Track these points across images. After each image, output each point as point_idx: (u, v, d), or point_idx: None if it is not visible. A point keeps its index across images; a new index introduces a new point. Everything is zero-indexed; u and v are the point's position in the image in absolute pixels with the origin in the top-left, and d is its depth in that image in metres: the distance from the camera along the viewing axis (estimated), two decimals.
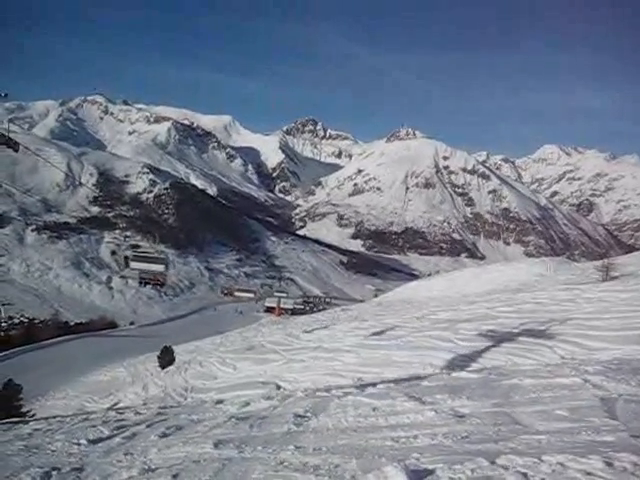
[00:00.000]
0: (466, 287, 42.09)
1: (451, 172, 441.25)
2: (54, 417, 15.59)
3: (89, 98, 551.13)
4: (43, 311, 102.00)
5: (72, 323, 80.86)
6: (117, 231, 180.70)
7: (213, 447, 6.71)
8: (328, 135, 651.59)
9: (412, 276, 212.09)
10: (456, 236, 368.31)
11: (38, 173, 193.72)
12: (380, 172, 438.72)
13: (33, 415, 20.96)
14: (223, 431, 7.97)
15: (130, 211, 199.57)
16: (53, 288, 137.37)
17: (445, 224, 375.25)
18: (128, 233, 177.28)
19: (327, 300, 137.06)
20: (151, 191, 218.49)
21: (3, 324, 72.64)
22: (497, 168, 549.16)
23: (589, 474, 3.97)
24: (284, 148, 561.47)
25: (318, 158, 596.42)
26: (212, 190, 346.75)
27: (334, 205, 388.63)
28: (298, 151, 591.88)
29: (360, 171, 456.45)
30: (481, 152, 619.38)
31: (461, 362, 14.93)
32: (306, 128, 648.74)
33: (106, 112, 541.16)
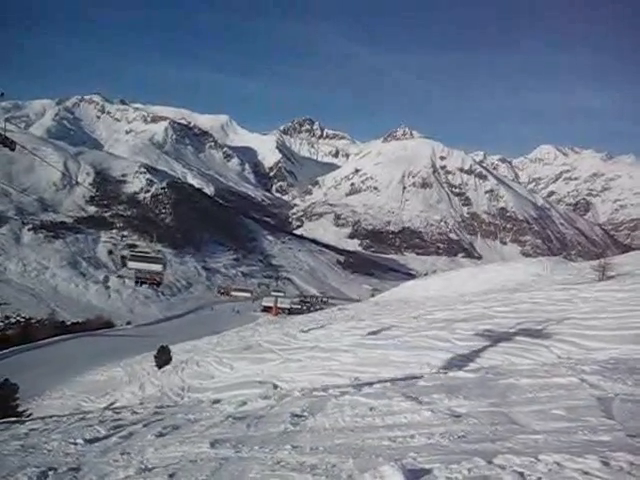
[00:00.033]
0: (463, 287, 42.14)
1: (448, 172, 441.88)
2: (50, 417, 15.55)
3: (86, 97, 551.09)
4: (40, 310, 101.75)
5: (69, 323, 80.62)
6: (114, 231, 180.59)
7: (210, 447, 6.70)
8: (325, 135, 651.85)
9: (409, 276, 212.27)
10: (453, 236, 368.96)
11: (35, 172, 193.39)
12: (377, 172, 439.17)
13: (29, 415, 20.90)
14: (220, 431, 7.96)
15: (127, 211, 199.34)
16: (50, 287, 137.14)
17: (442, 224, 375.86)
18: (125, 233, 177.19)
19: (324, 300, 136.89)
20: (148, 191, 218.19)
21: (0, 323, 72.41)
22: (494, 168, 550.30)
23: (586, 473, 3.98)
24: (281, 148, 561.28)
25: (315, 158, 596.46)
26: (209, 190, 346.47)
27: (331, 205, 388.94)
28: (295, 151, 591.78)
29: (357, 171, 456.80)
30: (478, 152, 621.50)
31: (458, 362, 14.94)
32: (303, 128, 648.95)
33: (103, 111, 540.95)
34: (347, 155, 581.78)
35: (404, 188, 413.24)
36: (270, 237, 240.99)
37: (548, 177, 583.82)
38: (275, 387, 17.16)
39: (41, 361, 42.32)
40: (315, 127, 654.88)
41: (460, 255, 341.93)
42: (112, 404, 24.00)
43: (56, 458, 7.42)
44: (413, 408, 7.50)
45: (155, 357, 32.04)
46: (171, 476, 5.57)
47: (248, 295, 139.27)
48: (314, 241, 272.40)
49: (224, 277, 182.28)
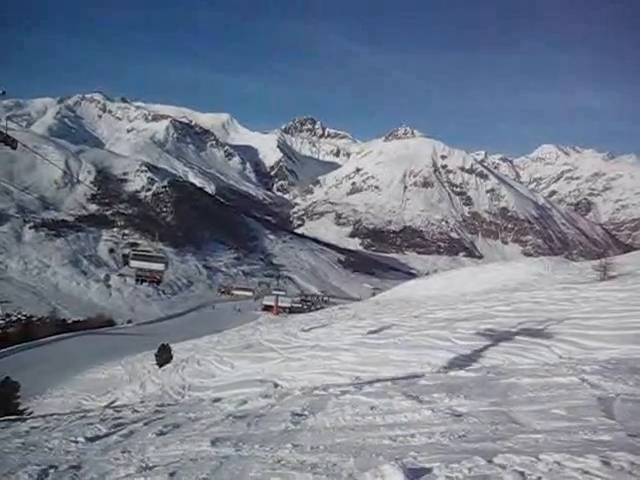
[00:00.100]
0: (464, 286, 42.10)
1: (449, 171, 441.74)
2: (51, 415, 15.57)
3: (87, 96, 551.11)
4: (41, 309, 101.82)
5: (70, 321, 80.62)
6: (115, 229, 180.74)
7: (210, 445, 6.71)
8: (326, 134, 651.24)
9: (410, 275, 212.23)
10: (454, 235, 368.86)
11: (36, 171, 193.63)
12: (378, 171, 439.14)
13: (30, 413, 20.92)
14: (221, 429, 7.97)
15: (128, 209, 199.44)
16: (51, 286, 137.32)
17: (443, 223, 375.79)
18: (126, 231, 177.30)
19: (325, 299, 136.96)
20: (149, 189, 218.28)
21: (0, 321, 72.49)
22: (495, 167, 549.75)
23: (586, 473, 3.98)
24: (282, 146, 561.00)
25: (316, 157, 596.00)
26: (210, 188, 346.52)
27: (332, 204, 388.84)
28: (296, 149, 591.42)
29: (358, 170, 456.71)
30: (479, 151, 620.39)
31: (459, 361, 14.94)
32: (304, 127, 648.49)
33: (104, 110, 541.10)
34: (348, 154, 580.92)
35: (405, 187, 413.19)
36: (271, 236, 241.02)
37: (549, 177, 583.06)
38: (276, 386, 17.16)
39: (42, 359, 42.34)
40: (316, 126, 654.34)
41: (461, 254, 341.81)
42: (113, 402, 24.02)
43: (57, 456, 7.43)
44: (414, 407, 7.51)
45: (156, 355, 32.06)
46: (172, 475, 5.57)
47: (249, 294, 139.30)
48: (315, 240, 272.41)
49: (225, 276, 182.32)
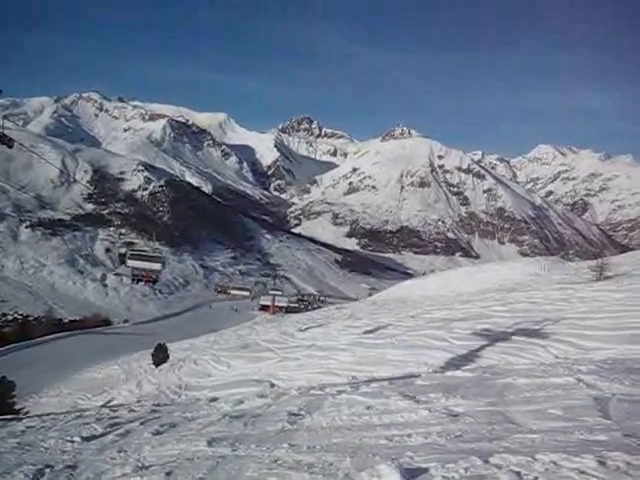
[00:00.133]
0: (460, 286, 42.16)
1: (446, 171, 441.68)
2: (47, 414, 15.55)
3: (84, 95, 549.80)
4: (37, 308, 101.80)
5: (66, 320, 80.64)
6: (112, 228, 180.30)
7: (207, 445, 6.71)
8: (323, 133, 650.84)
9: (407, 275, 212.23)
10: (451, 235, 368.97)
11: (32, 170, 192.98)
12: (375, 171, 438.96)
13: (26, 412, 20.89)
14: (217, 429, 7.97)
15: (125, 208, 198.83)
16: (47, 285, 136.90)
17: (440, 223, 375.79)
18: (123, 230, 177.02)
19: (321, 298, 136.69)
20: (146, 188, 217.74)
21: None
22: (492, 167, 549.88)
23: (582, 473, 3.99)
24: (279, 146, 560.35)
25: (313, 156, 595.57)
26: (207, 188, 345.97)
27: (329, 203, 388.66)
28: (293, 149, 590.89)
29: (355, 170, 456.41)
30: (476, 151, 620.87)
31: (455, 361, 14.96)
32: (301, 126, 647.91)
33: (101, 109, 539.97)
34: (345, 154, 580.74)
35: (402, 187, 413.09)
36: (268, 236, 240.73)
37: (546, 177, 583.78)
38: (272, 386, 17.16)
39: (38, 359, 42.30)
40: (313, 126, 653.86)
41: (458, 254, 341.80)
42: (109, 402, 24.00)
43: (53, 456, 7.42)
44: (410, 407, 7.51)
45: (152, 355, 32.05)
46: (168, 474, 5.57)
47: (246, 294, 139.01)
48: (312, 240, 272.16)
49: (222, 275, 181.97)
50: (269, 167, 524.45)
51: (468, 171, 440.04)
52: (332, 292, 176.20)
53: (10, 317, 76.53)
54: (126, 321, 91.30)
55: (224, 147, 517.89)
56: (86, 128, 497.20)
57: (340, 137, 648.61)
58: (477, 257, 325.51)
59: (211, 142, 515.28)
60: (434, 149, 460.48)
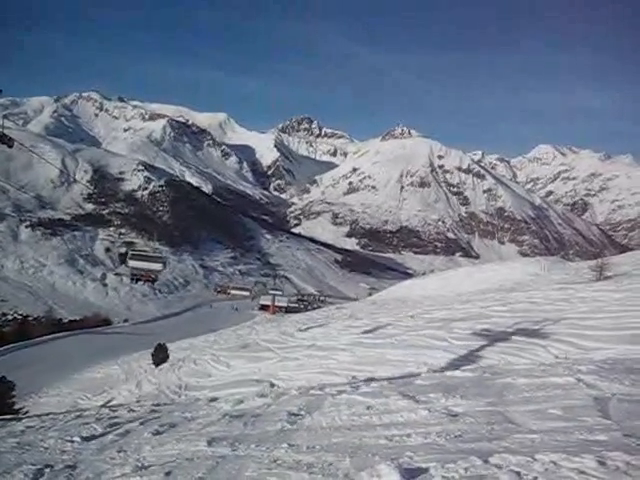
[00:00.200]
0: (460, 286, 42.17)
1: (446, 171, 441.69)
2: (47, 414, 15.55)
3: (84, 94, 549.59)
4: (37, 308, 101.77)
5: (66, 320, 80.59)
6: (111, 228, 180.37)
7: (207, 445, 6.71)
8: (323, 133, 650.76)
9: (406, 275, 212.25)
10: (451, 235, 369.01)
11: (32, 169, 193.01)
12: (375, 171, 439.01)
13: (26, 412, 20.88)
14: (217, 429, 7.96)
15: (125, 208, 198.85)
16: (47, 285, 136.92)
17: (440, 223, 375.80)
18: (123, 230, 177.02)
19: (321, 298, 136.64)
20: (146, 188, 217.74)
21: None
22: (492, 167, 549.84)
23: (582, 473, 3.98)
24: (279, 146, 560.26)
25: (313, 156, 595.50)
26: (207, 188, 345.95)
27: (329, 203, 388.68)
28: (293, 149, 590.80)
29: (355, 170, 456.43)
30: (476, 151, 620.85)
31: (455, 361, 14.96)
32: (301, 126, 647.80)
33: (101, 109, 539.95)
34: (345, 154, 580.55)
35: (402, 187, 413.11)
36: (268, 235, 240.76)
37: (546, 177, 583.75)
38: (272, 385, 17.15)
39: (38, 358, 42.28)
40: (313, 126, 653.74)
41: (458, 254, 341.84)
42: (109, 402, 23.99)
43: (52, 456, 7.42)
44: (410, 407, 7.51)
45: (152, 355, 32.03)
46: (167, 474, 5.57)
47: (246, 294, 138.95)
48: (312, 240, 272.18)
49: (221, 275, 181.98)
50: (269, 167, 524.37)
51: (468, 171, 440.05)
52: (332, 292, 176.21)
53: (10, 317, 76.52)
54: (126, 321, 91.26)
55: (224, 147, 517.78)
56: (86, 128, 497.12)
57: (340, 137, 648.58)
58: (477, 257, 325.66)
59: (211, 142, 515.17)
60: (434, 149, 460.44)
